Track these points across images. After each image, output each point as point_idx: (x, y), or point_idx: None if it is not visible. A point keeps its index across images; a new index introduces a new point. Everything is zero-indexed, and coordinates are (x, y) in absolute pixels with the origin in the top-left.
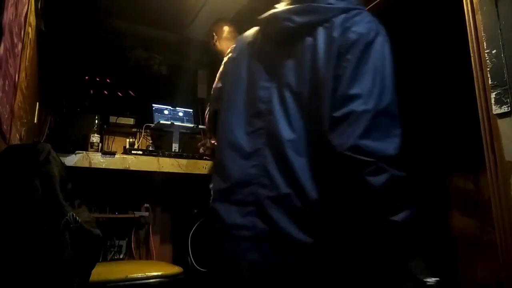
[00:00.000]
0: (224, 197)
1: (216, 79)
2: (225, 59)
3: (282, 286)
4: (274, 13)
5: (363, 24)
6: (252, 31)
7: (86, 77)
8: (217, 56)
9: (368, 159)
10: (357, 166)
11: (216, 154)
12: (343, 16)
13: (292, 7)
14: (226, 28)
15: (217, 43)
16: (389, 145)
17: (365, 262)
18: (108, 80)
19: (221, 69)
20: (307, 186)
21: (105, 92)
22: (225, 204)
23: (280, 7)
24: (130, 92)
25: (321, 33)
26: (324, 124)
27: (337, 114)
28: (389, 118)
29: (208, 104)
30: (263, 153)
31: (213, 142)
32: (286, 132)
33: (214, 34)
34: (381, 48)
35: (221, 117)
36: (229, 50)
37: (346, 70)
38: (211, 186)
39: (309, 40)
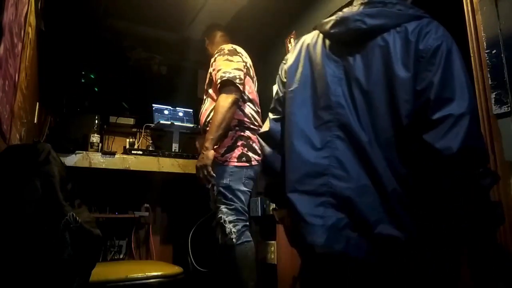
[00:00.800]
0: (295, 188)
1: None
2: (284, 62)
3: (354, 273)
4: (344, 15)
5: (441, 31)
6: (311, 35)
7: (86, 77)
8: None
9: (478, 161)
10: (467, 168)
11: (285, 148)
12: (416, 22)
13: (365, 10)
14: (217, 33)
15: (209, 47)
16: (484, 145)
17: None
18: (108, 80)
19: (282, 67)
20: (384, 177)
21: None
22: (297, 194)
23: (347, 10)
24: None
25: (394, 36)
26: (401, 122)
27: (435, 116)
28: (478, 120)
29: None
30: (334, 144)
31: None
32: (356, 125)
33: (206, 39)
34: (459, 55)
35: (288, 111)
36: (288, 54)
37: (435, 74)
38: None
39: (380, 42)
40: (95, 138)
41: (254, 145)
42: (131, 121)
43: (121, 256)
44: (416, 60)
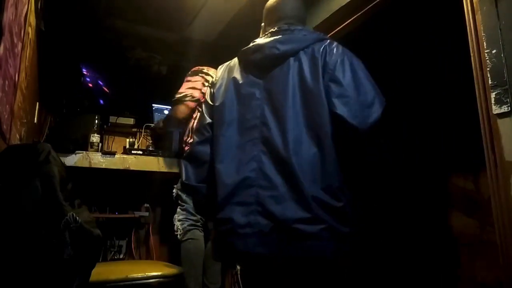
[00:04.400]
0: (227, 200)
1: (207, 100)
2: (209, 84)
3: (286, 272)
4: (260, 43)
5: (341, 49)
6: (233, 61)
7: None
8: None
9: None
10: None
11: (214, 164)
12: (320, 43)
13: (276, 38)
14: None
15: None
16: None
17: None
18: (108, 80)
19: (208, 91)
20: (304, 184)
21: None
22: (229, 206)
23: (261, 39)
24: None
25: (303, 57)
26: (323, 121)
27: (354, 107)
28: (382, 105)
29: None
30: (260, 159)
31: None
32: (279, 140)
33: None
34: (361, 63)
35: (216, 131)
36: (214, 77)
37: (344, 79)
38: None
39: (292, 62)
40: (95, 138)
41: None
42: (131, 121)
43: (121, 256)
44: (325, 72)
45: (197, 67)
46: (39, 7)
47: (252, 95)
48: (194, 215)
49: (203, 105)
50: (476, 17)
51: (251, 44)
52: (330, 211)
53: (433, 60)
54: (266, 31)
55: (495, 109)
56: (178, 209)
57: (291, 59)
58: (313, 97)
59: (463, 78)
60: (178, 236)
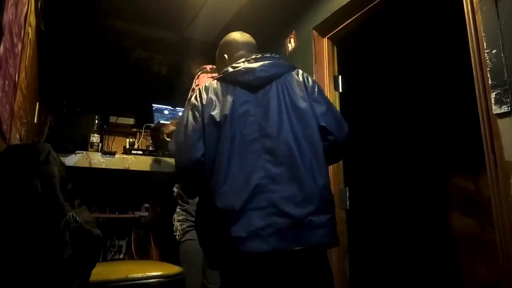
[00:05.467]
0: (243, 209)
1: (194, 113)
2: (196, 100)
3: (301, 260)
4: (250, 67)
5: (310, 78)
6: (214, 83)
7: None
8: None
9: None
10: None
11: (221, 177)
12: (294, 70)
13: (264, 63)
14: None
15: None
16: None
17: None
18: (108, 80)
19: (191, 114)
20: (308, 183)
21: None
22: (246, 214)
23: (241, 65)
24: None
25: (288, 78)
26: (314, 132)
27: (329, 120)
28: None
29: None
30: (266, 167)
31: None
32: (281, 148)
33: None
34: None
35: (219, 149)
36: (199, 95)
37: (321, 103)
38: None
39: (276, 83)
40: (95, 138)
41: None
42: (131, 121)
43: (121, 256)
44: (308, 93)
45: (202, 67)
46: (39, 7)
47: (247, 112)
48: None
49: (193, 120)
50: (476, 17)
51: (241, 67)
52: (328, 204)
53: (433, 60)
54: (234, 60)
55: (495, 109)
56: (178, 209)
57: (275, 81)
58: (304, 114)
59: (463, 78)
60: (177, 236)
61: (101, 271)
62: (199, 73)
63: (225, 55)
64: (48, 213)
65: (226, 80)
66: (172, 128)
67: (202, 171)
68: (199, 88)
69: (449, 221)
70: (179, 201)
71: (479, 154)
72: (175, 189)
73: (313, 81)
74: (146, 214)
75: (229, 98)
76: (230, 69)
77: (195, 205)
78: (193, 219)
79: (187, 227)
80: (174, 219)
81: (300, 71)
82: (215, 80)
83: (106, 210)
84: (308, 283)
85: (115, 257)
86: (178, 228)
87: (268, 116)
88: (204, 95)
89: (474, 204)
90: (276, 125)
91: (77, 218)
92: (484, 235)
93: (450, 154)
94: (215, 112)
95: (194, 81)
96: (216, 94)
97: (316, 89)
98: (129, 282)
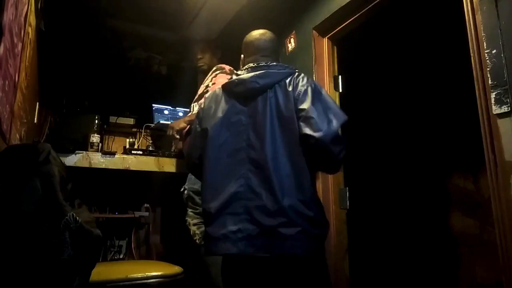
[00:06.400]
0: (221, 212)
1: (198, 118)
2: (200, 106)
3: (269, 269)
4: (242, 78)
5: (305, 79)
6: (216, 91)
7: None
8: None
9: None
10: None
11: (206, 180)
12: (290, 77)
13: (256, 73)
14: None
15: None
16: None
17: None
18: (108, 80)
19: (199, 111)
20: (283, 196)
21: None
22: (222, 217)
23: (243, 74)
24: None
25: (278, 90)
26: (296, 146)
27: (317, 127)
28: (338, 126)
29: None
30: (247, 175)
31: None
32: (262, 158)
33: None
34: (323, 90)
35: (207, 154)
36: (203, 102)
37: (307, 105)
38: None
39: (270, 94)
40: (95, 138)
41: None
42: (131, 121)
43: (121, 256)
44: (294, 101)
45: (220, 66)
46: (39, 7)
47: (239, 121)
48: None
49: (194, 131)
50: (476, 17)
51: (234, 78)
52: (303, 218)
53: (433, 60)
54: (246, 64)
55: (495, 109)
56: (191, 213)
57: (268, 91)
58: (288, 123)
59: (463, 78)
60: (197, 240)
61: (101, 271)
62: (217, 72)
63: (242, 55)
64: (48, 213)
65: (225, 89)
66: (183, 125)
67: (200, 171)
68: (205, 96)
69: (449, 221)
70: (190, 203)
71: (479, 154)
72: (185, 191)
73: (304, 83)
74: (146, 214)
75: (225, 107)
76: (233, 78)
77: None
78: None
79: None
80: (189, 223)
81: (296, 76)
82: (219, 88)
83: (106, 210)
84: None
85: (115, 257)
86: (196, 232)
87: (256, 127)
88: (206, 103)
89: (474, 204)
90: (261, 137)
91: (77, 218)
92: (484, 235)
93: (450, 154)
94: (210, 120)
95: (210, 77)
96: (215, 102)
97: (301, 93)
98: (129, 282)
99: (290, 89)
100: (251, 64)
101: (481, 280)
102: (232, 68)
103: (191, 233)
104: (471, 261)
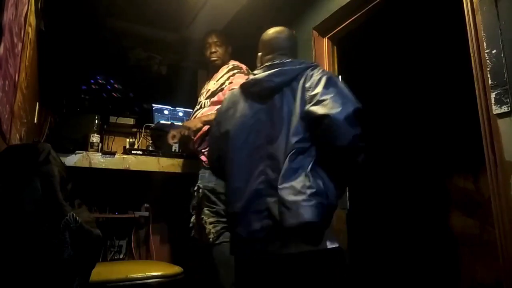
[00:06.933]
0: (244, 210)
1: (216, 120)
2: (219, 109)
3: (286, 262)
4: (258, 78)
5: (320, 70)
6: (235, 91)
7: (86, 77)
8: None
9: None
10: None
11: (230, 183)
12: (304, 72)
13: (271, 72)
14: (230, 47)
15: (222, 55)
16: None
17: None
18: (108, 80)
19: (218, 113)
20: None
21: (105, 92)
22: (246, 215)
23: (258, 73)
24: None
25: (295, 84)
26: (304, 144)
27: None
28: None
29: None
30: (266, 172)
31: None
32: (281, 154)
33: (228, 46)
34: (338, 79)
35: (230, 156)
36: (222, 104)
37: (318, 91)
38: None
39: (286, 91)
40: (95, 138)
41: None
42: (131, 121)
43: (121, 256)
44: (307, 91)
45: (237, 65)
46: (39, 7)
47: (258, 120)
48: (225, 217)
49: (212, 134)
50: (476, 17)
51: (251, 78)
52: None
53: (433, 60)
54: (263, 62)
55: (495, 109)
56: (207, 211)
57: (285, 88)
58: (299, 121)
59: (463, 78)
60: (211, 239)
61: (101, 271)
62: (235, 72)
63: (259, 54)
64: (48, 213)
65: (243, 89)
66: (199, 126)
67: (222, 172)
68: (225, 97)
69: (449, 221)
70: (205, 202)
71: (479, 154)
72: (199, 190)
73: (318, 74)
74: (146, 214)
75: (243, 108)
76: (250, 78)
77: (224, 205)
78: (224, 219)
79: (221, 229)
80: (204, 221)
81: (311, 69)
82: (238, 88)
83: (106, 210)
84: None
85: (115, 257)
86: (211, 230)
87: (274, 124)
88: (224, 105)
89: (474, 204)
90: (277, 133)
91: (77, 218)
92: (484, 235)
93: (450, 154)
94: (230, 122)
95: (227, 76)
96: (233, 103)
97: (314, 82)
98: (129, 282)
99: (305, 81)
100: (267, 63)
101: (481, 280)
102: (248, 68)
103: (206, 231)
104: (471, 261)
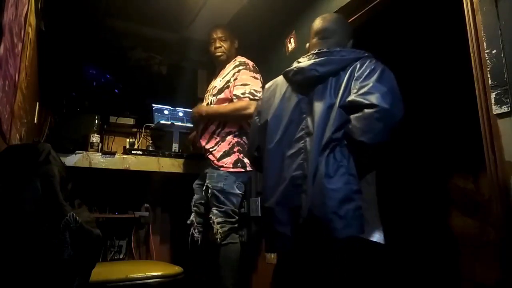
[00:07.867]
0: (278, 204)
1: (257, 111)
2: (260, 98)
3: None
4: (301, 66)
5: (373, 61)
6: (278, 80)
7: (86, 77)
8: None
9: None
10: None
11: (267, 177)
12: (355, 62)
13: (316, 61)
14: (236, 41)
15: (228, 50)
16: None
17: None
18: (108, 80)
19: (259, 103)
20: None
21: (105, 92)
22: (280, 208)
23: (303, 60)
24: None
25: (343, 75)
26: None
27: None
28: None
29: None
30: (303, 167)
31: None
32: (317, 147)
33: (236, 40)
34: (390, 72)
35: (268, 148)
36: (263, 93)
37: (366, 78)
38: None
39: (332, 81)
40: (95, 138)
41: None
42: (131, 121)
43: (121, 256)
44: (356, 80)
45: (243, 61)
46: (39, 7)
47: (298, 111)
48: (233, 217)
49: (253, 124)
50: (476, 17)
51: (294, 66)
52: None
53: (433, 60)
54: (309, 50)
55: (495, 109)
56: (215, 211)
57: (331, 78)
58: (339, 115)
59: (463, 78)
60: (218, 239)
61: (101, 271)
62: (240, 68)
63: (307, 45)
64: (48, 213)
65: (285, 77)
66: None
67: (260, 164)
68: (266, 86)
69: (449, 221)
70: (214, 201)
71: (479, 154)
72: (208, 190)
73: (370, 65)
74: (146, 214)
75: (284, 97)
76: (293, 65)
77: (232, 206)
78: (232, 220)
79: (228, 229)
80: (213, 221)
81: (364, 58)
82: (281, 76)
83: (106, 210)
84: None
85: (115, 257)
86: (219, 231)
87: (313, 116)
88: (265, 94)
89: (474, 204)
90: (315, 126)
91: (77, 218)
92: (484, 235)
93: (450, 154)
94: (270, 112)
95: (232, 72)
96: (274, 92)
97: (365, 73)
98: (129, 282)
99: (353, 71)
100: (313, 50)
101: (481, 280)
102: (254, 65)
103: (214, 231)
104: (471, 261)
